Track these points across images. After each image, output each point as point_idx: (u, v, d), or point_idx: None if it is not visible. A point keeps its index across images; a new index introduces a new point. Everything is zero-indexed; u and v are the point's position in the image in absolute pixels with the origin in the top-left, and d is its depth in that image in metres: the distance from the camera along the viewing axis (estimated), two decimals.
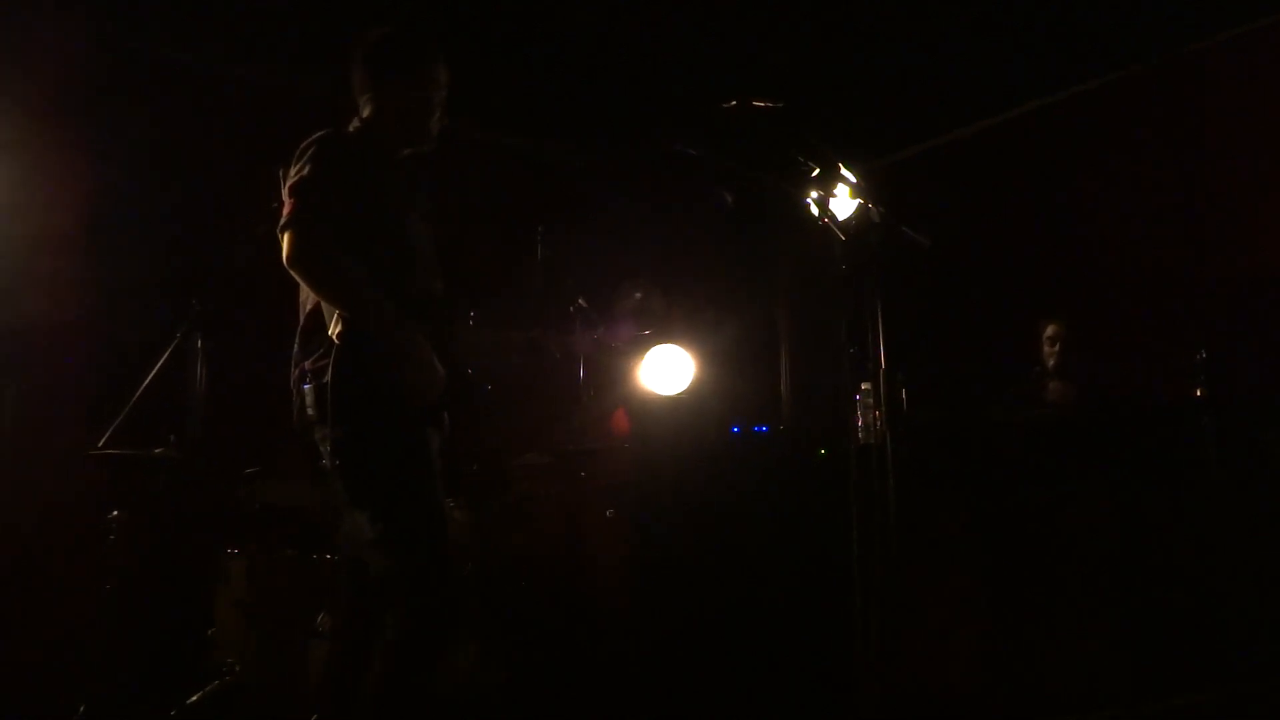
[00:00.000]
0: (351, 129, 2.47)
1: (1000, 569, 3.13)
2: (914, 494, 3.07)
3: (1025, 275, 5.13)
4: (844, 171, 2.54)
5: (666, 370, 4.53)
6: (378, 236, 2.29)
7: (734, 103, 2.56)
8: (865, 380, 2.83)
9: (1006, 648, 3.08)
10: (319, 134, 2.32)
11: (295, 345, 2.35)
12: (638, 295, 4.52)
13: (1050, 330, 4.05)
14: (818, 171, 2.54)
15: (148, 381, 3.38)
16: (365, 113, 2.48)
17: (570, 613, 4.29)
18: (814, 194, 2.54)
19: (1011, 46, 4.70)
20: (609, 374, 4.43)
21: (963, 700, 3.12)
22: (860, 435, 2.98)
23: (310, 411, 2.24)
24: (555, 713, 3.58)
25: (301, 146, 2.30)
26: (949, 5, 4.42)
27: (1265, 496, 2.59)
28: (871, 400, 2.75)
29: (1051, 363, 3.92)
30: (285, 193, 2.24)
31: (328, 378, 2.17)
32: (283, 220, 2.19)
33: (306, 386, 2.25)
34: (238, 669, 3.27)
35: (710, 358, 4.88)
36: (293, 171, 2.26)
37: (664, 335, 4.45)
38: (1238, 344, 4.39)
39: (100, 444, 3.30)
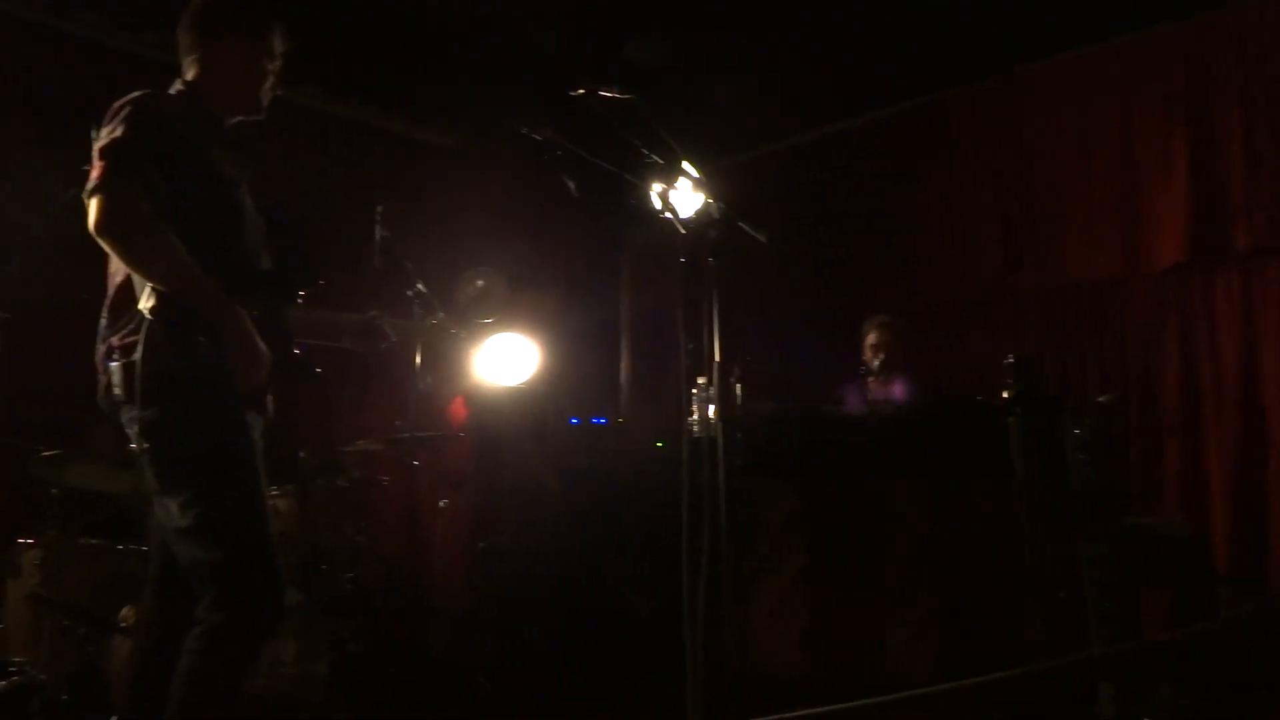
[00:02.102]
0: (173, 91, 2.32)
1: (824, 556, 3.25)
2: (746, 485, 3.15)
3: (857, 278, 5.35)
4: (686, 166, 2.57)
5: (508, 359, 4.48)
6: (198, 206, 2.16)
7: (582, 91, 2.55)
8: (701, 374, 2.87)
9: (828, 631, 3.20)
10: (135, 94, 2.16)
11: (102, 320, 2.19)
12: (480, 282, 4.45)
13: (875, 334, 4.24)
14: (661, 164, 2.56)
15: None
16: (190, 75, 2.34)
17: (402, 603, 4.20)
18: (657, 187, 2.56)
19: (852, 58, 4.88)
20: (447, 361, 4.35)
21: (787, 682, 3.23)
22: (695, 428, 3.02)
23: (117, 391, 2.09)
24: (381, 707, 3.49)
25: (115, 106, 2.14)
26: (795, 14, 4.55)
27: (1061, 488, 2.79)
28: (707, 393, 2.79)
29: (876, 363, 4.10)
30: (95, 155, 2.08)
31: (137, 355, 2.03)
32: (91, 184, 2.04)
33: (113, 364, 2.10)
34: (28, 668, 3.03)
35: (552, 348, 4.87)
36: (104, 132, 2.10)
37: (505, 325, 4.40)
38: (1044, 348, 4.74)
39: None
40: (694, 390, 2.99)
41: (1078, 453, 2.82)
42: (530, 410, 4.97)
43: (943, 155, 5.17)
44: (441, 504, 4.43)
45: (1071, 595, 2.78)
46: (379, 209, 3.72)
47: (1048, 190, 4.78)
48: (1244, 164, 4.15)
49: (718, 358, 2.61)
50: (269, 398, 2.25)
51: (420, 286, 3.68)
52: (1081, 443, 2.81)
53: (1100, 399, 3.96)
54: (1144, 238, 4.44)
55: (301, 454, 3.94)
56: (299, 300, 2.36)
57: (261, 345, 2.11)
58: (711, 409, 2.73)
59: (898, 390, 4.09)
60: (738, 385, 3.15)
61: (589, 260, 6.15)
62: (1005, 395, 3.14)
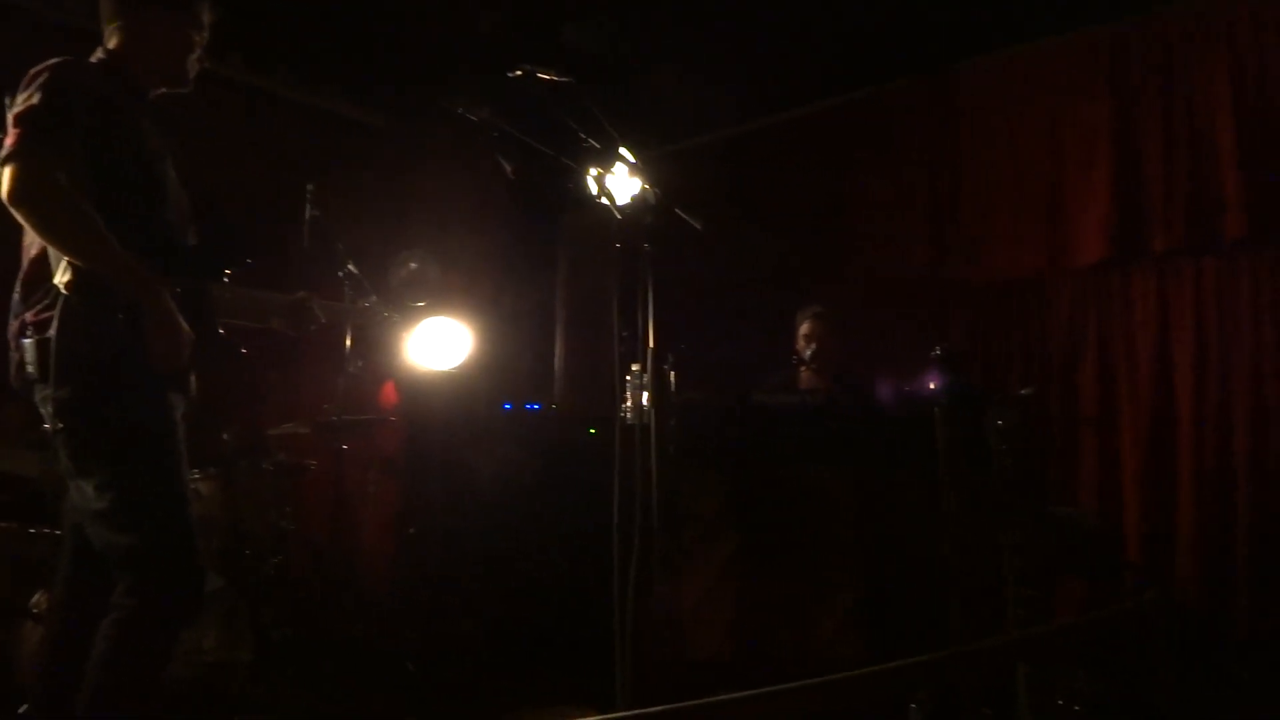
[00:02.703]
0: (94, 59, 2.24)
1: (754, 544, 3.28)
2: (678, 472, 3.17)
3: (791, 269, 5.40)
4: (623, 152, 2.56)
5: (440, 344, 4.43)
6: (119, 179, 2.09)
7: (520, 73, 2.53)
8: (635, 361, 2.87)
9: (756, 618, 3.24)
10: (54, 60, 2.08)
11: (15, 294, 2.11)
12: (412, 265, 4.39)
13: (807, 324, 4.28)
14: (598, 149, 2.55)
15: None
16: (112, 43, 2.26)
17: (328, 589, 4.14)
18: (593, 171, 2.55)
19: (789, 52, 4.91)
20: (378, 344, 4.28)
21: (715, 668, 3.26)
22: (628, 415, 3.02)
23: (30, 369, 2.02)
24: (306, 695, 3.44)
25: (32, 73, 2.06)
26: (733, 7, 4.56)
27: (983, 478, 2.86)
28: (640, 381, 2.80)
29: (809, 353, 4.15)
30: (10, 122, 2.00)
31: (51, 332, 1.96)
32: (4, 152, 1.96)
33: (26, 341, 2.03)
34: None
35: (486, 332, 4.83)
36: (20, 99, 2.03)
37: (438, 308, 4.35)
38: (970, 341, 4.85)
39: None
40: (628, 377, 3.00)
41: (1000, 443, 2.89)
42: (462, 395, 4.92)
43: (876, 150, 5.24)
44: (370, 489, 4.37)
45: (992, 582, 2.85)
46: (309, 188, 3.64)
47: (976, 187, 4.87)
48: (1162, 169, 4.28)
49: (652, 345, 2.61)
50: (192, 378, 2.19)
51: (351, 268, 3.62)
52: (1003, 433, 2.88)
53: (1022, 391, 4.08)
54: (1067, 236, 4.56)
55: (225, 436, 3.86)
56: (224, 279, 2.30)
57: (183, 324, 2.05)
58: (645, 396, 2.74)
59: (826, 380, 4.13)
60: (671, 373, 3.15)
61: (524, 244, 6.10)
62: (932, 386, 3.21)
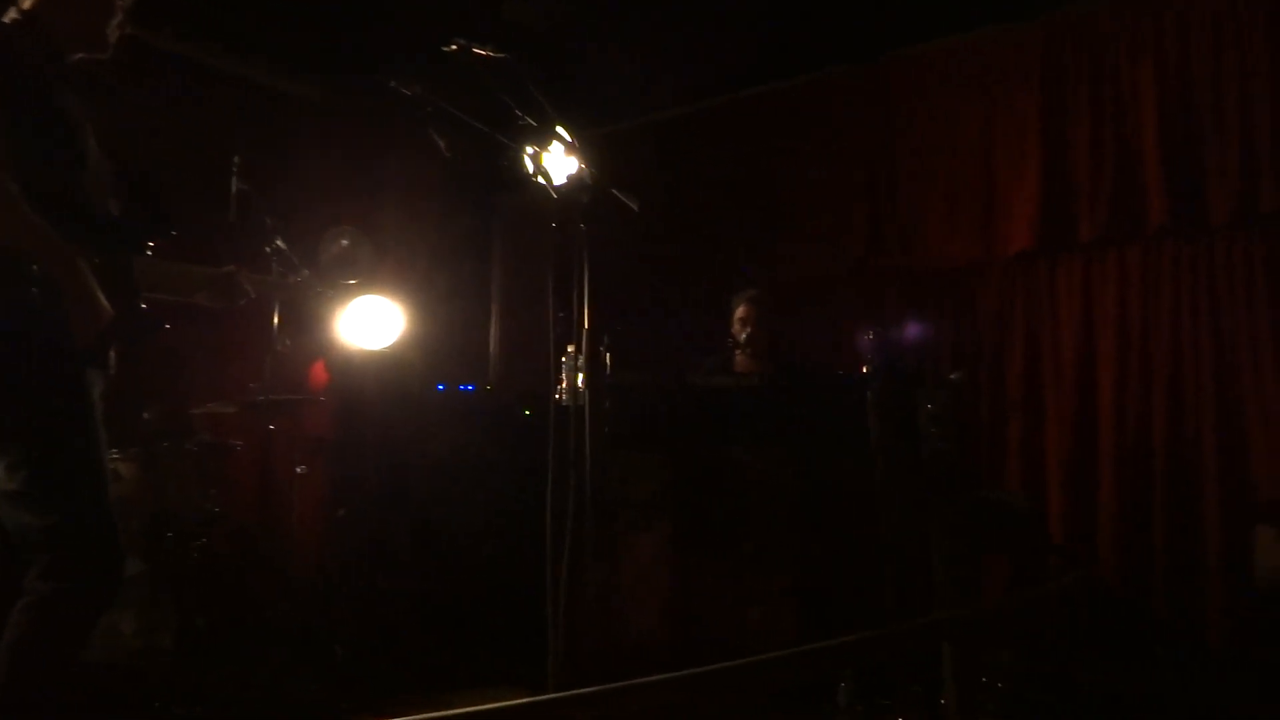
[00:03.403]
0: (7, 20, 2.15)
1: (689, 526, 3.31)
2: (613, 454, 3.17)
3: (727, 252, 5.43)
4: (560, 130, 2.54)
5: (372, 322, 4.37)
6: (34, 146, 2.00)
7: (455, 47, 2.49)
8: (570, 342, 2.87)
9: (690, 600, 3.27)
10: None
11: None
12: (344, 241, 4.31)
13: (742, 308, 4.31)
14: (535, 128, 2.53)
15: None
16: (26, 4, 2.17)
17: (253, 574, 4.06)
18: (530, 150, 2.53)
19: (726, 36, 4.91)
20: (308, 322, 4.21)
21: (649, 650, 3.28)
22: (563, 396, 3.02)
23: None
24: (230, 682, 3.37)
25: None
26: None
27: (914, 460, 2.92)
28: (575, 362, 2.79)
29: (743, 336, 4.17)
30: None
31: None
32: None
33: None
34: None
35: (419, 311, 4.78)
36: None
37: (370, 286, 4.29)
38: (901, 326, 4.93)
39: None
40: (563, 358, 3.00)
41: (930, 426, 2.95)
42: (395, 376, 4.87)
43: (812, 136, 5.28)
44: (299, 470, 4.30)
45: (921, 562, 2.91)
46: (235, 160, 3.55)
47: (911, 175, 4.94)
48: (1089, 160, 4.39)
49: (587, 326, 2.61)
50: (111, 354, 2.12)
51: (279, 243, 3.54)
52: (934, 417, 2.94)
53: (951, 375, 4.17)
54: (998, 225, 4.65)
55: (146, 415, 3.76)
56: (148, 251, 2.23)
57: (101, 298, 1.98)
58: (580, 377, 2.74)
59: (761, 364, 4.17)
60: (607, 354, 3.16)
61: (459, 223, 6.04)
62: (864, 370, 3.26)
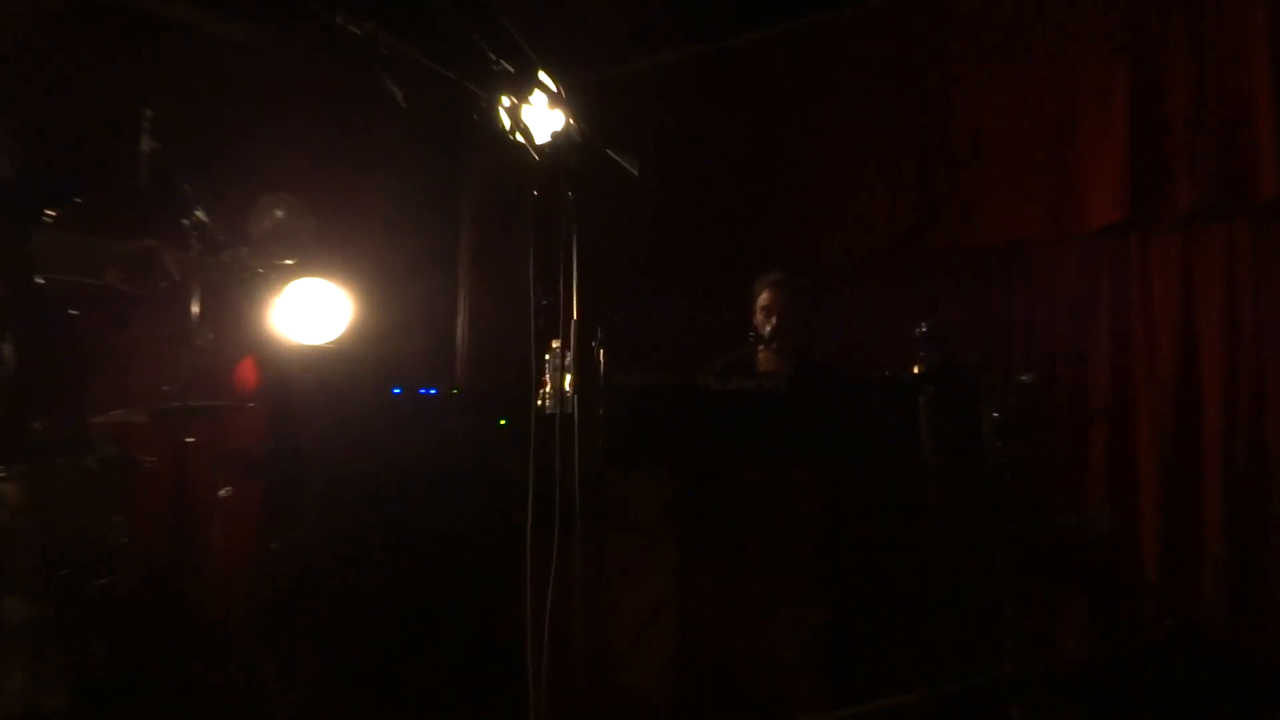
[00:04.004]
0: None
1: (701, 559, 3.31)
2: (607, 471, 3.18)
3: (748, 226, 5.43)
4: (543, 77, 2.55)
5: (313, 311, 4.38)
6: None
7: None
8: (556, 336, 2.88)
9: (703, 648, 3.27)
10: None
11: None
12: (279, 212, 4.32)
13: (767, 294, 4.30)
14: (512, 74, 2.54)
15: None
16: None
17: (169, 618, 4.07)
18: (506, 101, 2.53)
19: None
20: (235, 310, 4.22)
21: (651, 704, 3.29)
22: (547, 402, 3.03)
23: None
24: None
25: None
26: None
27: (975, 479, 2.93)
28: (562, 361, 2.80)
29: (768, 329, 4.18)
30: None
31: None
32: None
33: None
34: None
35: (371, 299, 4.79)
36: None
37: (310, 267, 4.30)
38: (961, 316, 4.93)
39: None
40: (546, 356, 3.01)
41: (995, 438, 2.96)
42: (341, 377, 4.87)
43: (850, 86, 5.28)
44: (222, 493, 4.30)
45: (983, 603, 2.92)
46: (146, 114, 3.55)
47: (971, 134, 4.94)
48: (1190, 113, 4.39)
49: (577, 316, 2.62)
50: (3, 347, 2.14)
51: (200, 214, 3.55)
52: (1000, 427, 2.95)
53: (1022, 377, 4.17)
54: (1076, 193, 4.66)
55: (37, 425, 3.76)
56: (46, 220, 2.24)
57: None
58: (568, 379, 2.75)
59: (789, 361, 4.17)
60: (601, 351, 3.16)
61: (420, 191, 6.04)
62: (915, 370, 3.27)
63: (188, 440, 4.04)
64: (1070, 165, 4.69)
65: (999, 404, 3.14)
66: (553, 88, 2.58)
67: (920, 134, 5.09)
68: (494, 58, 2.55)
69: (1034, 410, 4.07)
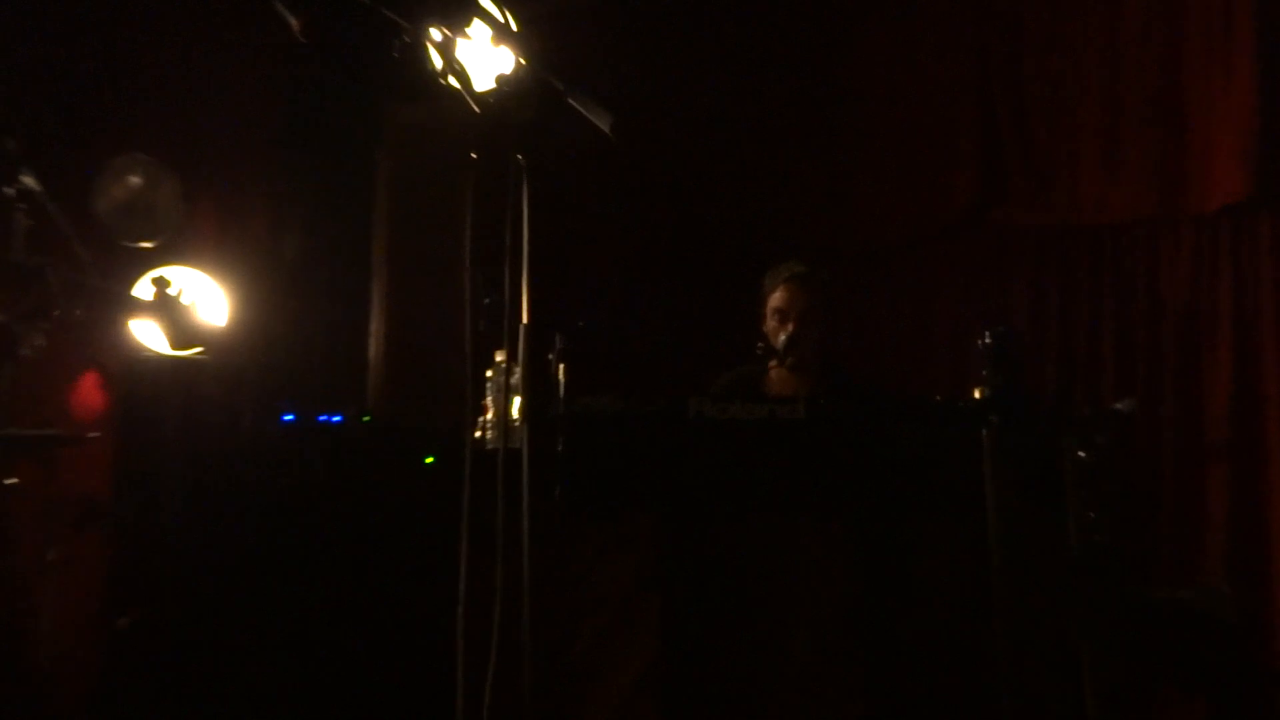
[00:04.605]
0: None
1: (690, 636, 3.31)
2: (569, 524, 3.17)
3: (754, 203, 5.44)
4: (486, 3, 2.56)
5: (178, 312, 4.36)
6: None
7: None
8: (500, 347, 2.88)
9: None
10: None
11: None
12: (134, 179, 4.31)
13: (781, 291, 4.29)
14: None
15: None
16: None
17: None
18: (437, 35, 2.54)
19: None
20: (75, 312, 4.20)
21: None
22: (487, 432, 3.02)
23: None
24: None
25: None
26: None
27: (1055, 538, 2.92)
28: (508, 379, 2.80)
29: (783, 337, 4.17)
30: None
31: None
32: None
33: None
34: None
35: (256, 295, 4.78)
36: None
37: (176, 252, 4.29)
38: (1036, 322, 4.95)
39: None
40: (488, 373, 3.00)
41: (1082, 484, 2.96)
42: (214, 398, 4.85)
43: (895, 21, 5.31)
44: (54, 552, 4.28)
45: (1061, 698, 2.92)
46: None
47: (1053, 88, 4.98)
48: None
49: (527, 320, 2.62)
50: None
51: (28, 180, 3.54)
52: (1088, 469, 2.95)
53: (1117, 404, 4.19)
54: (1189, 163, 4.69)
55: None
56: None
57: None
58: (515, 404, 2.74)
59: (808, 381, 4.18)
60: (560, 366, 3.16)
61: (321, 153, 6.03)
62: (977, 394, 3.27)
63: (7, 482, 4.02)
64: (1179, 130, 4.71)
65: (1086, 440, 3.14)
66: (499, 17, 2.59)
67: (987, 86, 5.10)
68: None
69: (1132, 448, 4.09)
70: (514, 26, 2.62)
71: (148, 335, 4.33)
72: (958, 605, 3.16)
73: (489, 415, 3.07)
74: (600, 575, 3.37)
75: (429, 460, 4.64)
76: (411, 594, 4.26)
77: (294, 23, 2.62)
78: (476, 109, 2.58)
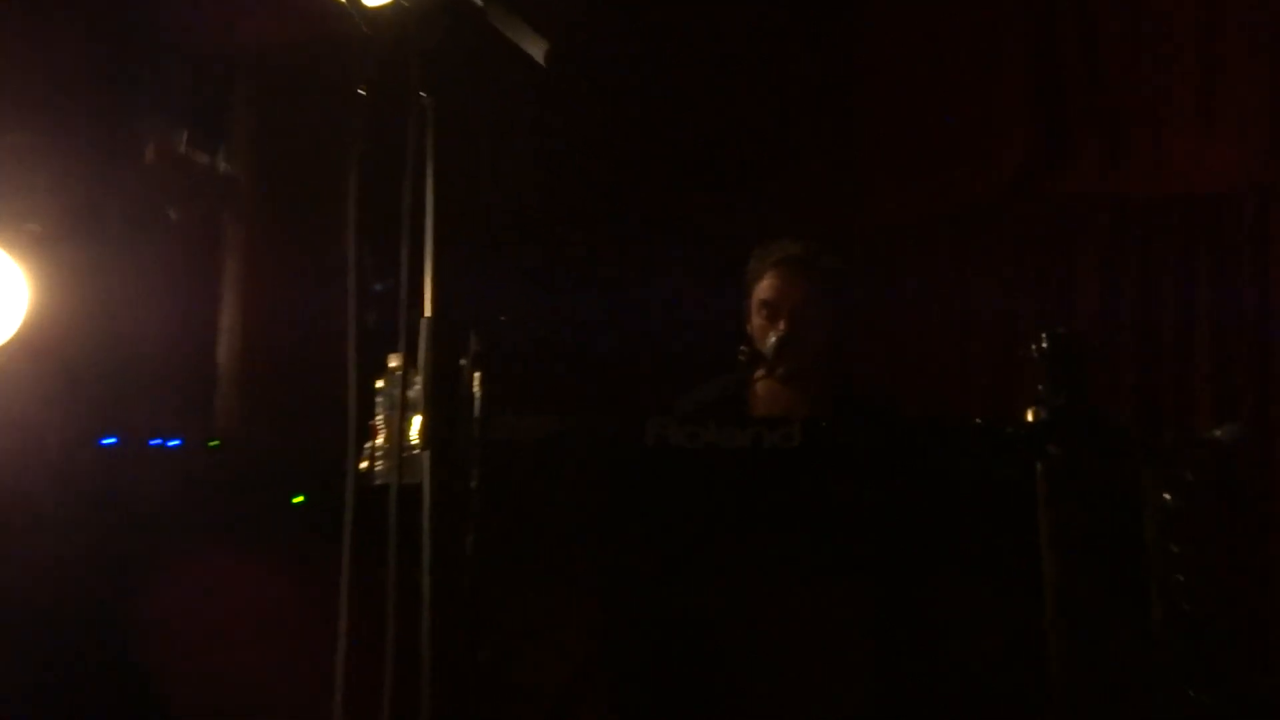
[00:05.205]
0: None
1: (650, 698, 3.31)
2: (487, 583, 3.17)
3: (743, 164, 5.47)
4: None
5: None
6: None
7: None
8: (396, 350, 2.88)
9: None
10: None
11: None
12: None
13: (768, 282, 4.32)
14: None
15: None
16: None
17: None
18: None
19: None
20: None
21: None
22: (375, 463, 3.01)
23: None
24: None
25: None
26: None
27: (1133, 599, 2.93)
28: (403, 392, 2.79)
29: (769, 341, 4.19)
30: None
31: None
32: None
33: None
34: None
35: (68, 281, 4.78)
36: None
37: None
38: (1106, 319, 4.99)
39: None
40: (378, 384, 3.00)
41: (1166, 537, 2.98)
42: (15, 415, 4.84)
43: None
44: None
45: None
46: None
47: (1126, 26, 5.03)
48: None
49: (431, 313, 2.62)
50: None
51: None
52: (1176, 517, 2.96)
53: (1215, 431, 4.21)
54: None
55: None
56: None
57: None
58: (414, 424, 2.74)
59: (806, 397, 4.19)
60: (476, 375, 3.16)
61: (160, 94, 6.03)
62: (1029, 416, 3.29)
63: None
64: None
65: (1173, 478, 3.16)
66: None
67: (1043, 23, 5.16)
68: None
69: (1236, 488, 4.11)
70: None
71: None
72: (1002, 696, 3.18)
73: (379, 440, 3.07)
74: (531, 652, 3.37)
75: (298, 500, 4.64)
76: (270, 678, 4.27)
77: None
78: (366, 29, 2.58)
